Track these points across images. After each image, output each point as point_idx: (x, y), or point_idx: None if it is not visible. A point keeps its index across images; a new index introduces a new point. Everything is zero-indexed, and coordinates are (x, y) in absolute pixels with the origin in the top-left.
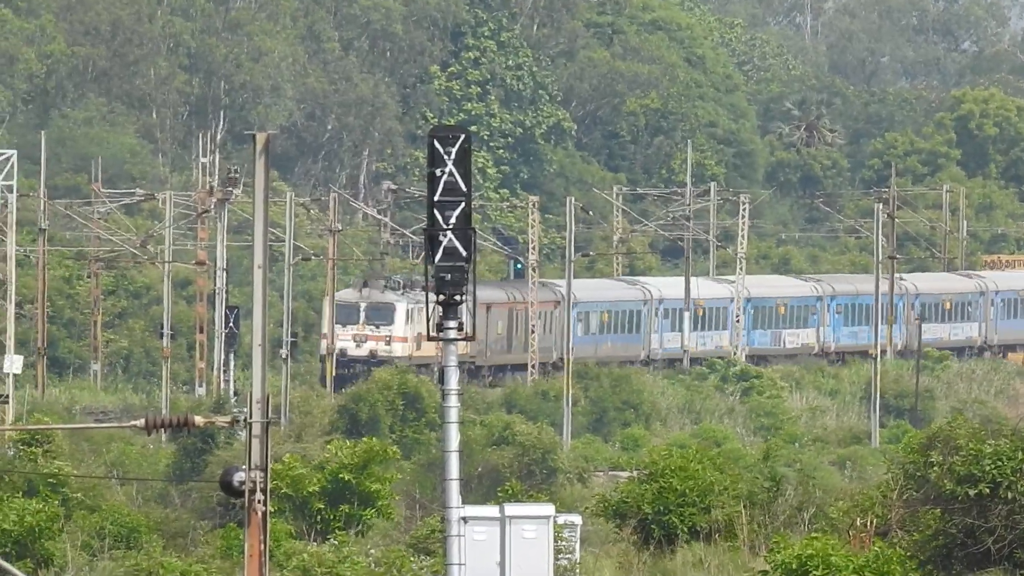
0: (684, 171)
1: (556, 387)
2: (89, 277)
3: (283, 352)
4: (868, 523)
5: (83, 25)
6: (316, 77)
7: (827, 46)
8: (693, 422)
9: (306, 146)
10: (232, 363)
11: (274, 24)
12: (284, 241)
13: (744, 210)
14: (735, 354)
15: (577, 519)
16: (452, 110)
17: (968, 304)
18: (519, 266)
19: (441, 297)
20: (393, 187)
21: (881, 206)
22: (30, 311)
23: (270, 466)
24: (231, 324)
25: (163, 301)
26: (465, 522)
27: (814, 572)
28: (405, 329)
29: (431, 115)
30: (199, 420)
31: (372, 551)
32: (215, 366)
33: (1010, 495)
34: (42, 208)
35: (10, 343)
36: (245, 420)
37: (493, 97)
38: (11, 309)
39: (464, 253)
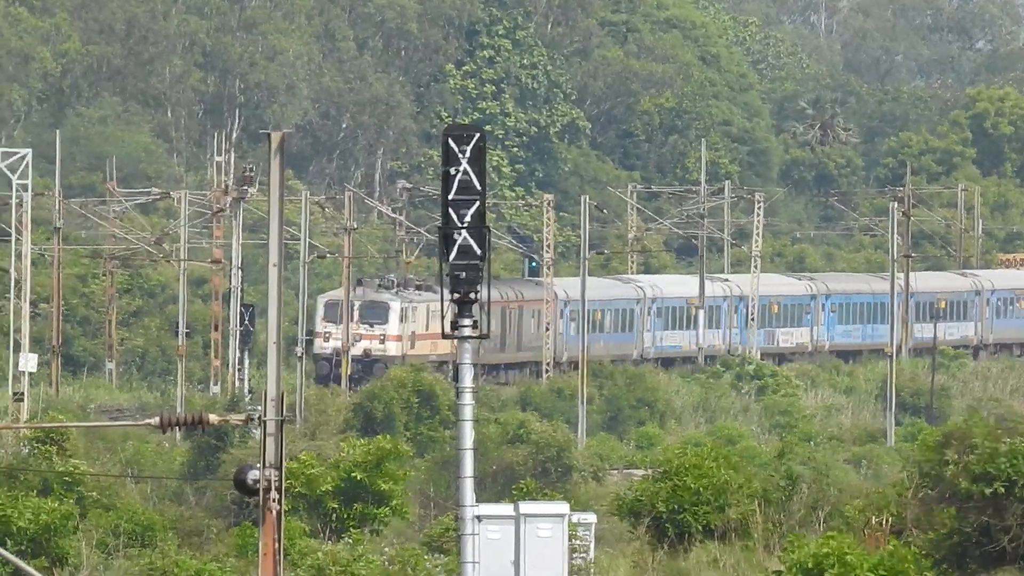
0: (698, 170)
1: (571, 385)
2: (104, 276)
3: (298, 350)
4: (883, 522)
5: (98, 23)
6: (331, 76)
7: (841, 45)
8: (708, 420)
9: (321, 145)
10: (247, 361)
11: (289, 23)
12: (299, 239)
13: (759, 208)
14: (728, 352)
15: (592, 517)
16: (467, 109)
17: (963, 303)
18: (534, 264)
19: (456, 295)
20: (408, 186)
21: (896, 204)
22: (45, 310)
23: (285, 464)
24: (246, 322)
25: (178, 299)
26: (479, 520)
27: (829, 571)
28: (399, 328)
29: (446, 114)
30: (214, 418)
31: (386, 550)
32: (230, 364)
33: None
34: (57, 207)
35: (25, 341)
36: (260, 418)
37: (508, 96)
38: (26, 308)
39: (479, 252)
